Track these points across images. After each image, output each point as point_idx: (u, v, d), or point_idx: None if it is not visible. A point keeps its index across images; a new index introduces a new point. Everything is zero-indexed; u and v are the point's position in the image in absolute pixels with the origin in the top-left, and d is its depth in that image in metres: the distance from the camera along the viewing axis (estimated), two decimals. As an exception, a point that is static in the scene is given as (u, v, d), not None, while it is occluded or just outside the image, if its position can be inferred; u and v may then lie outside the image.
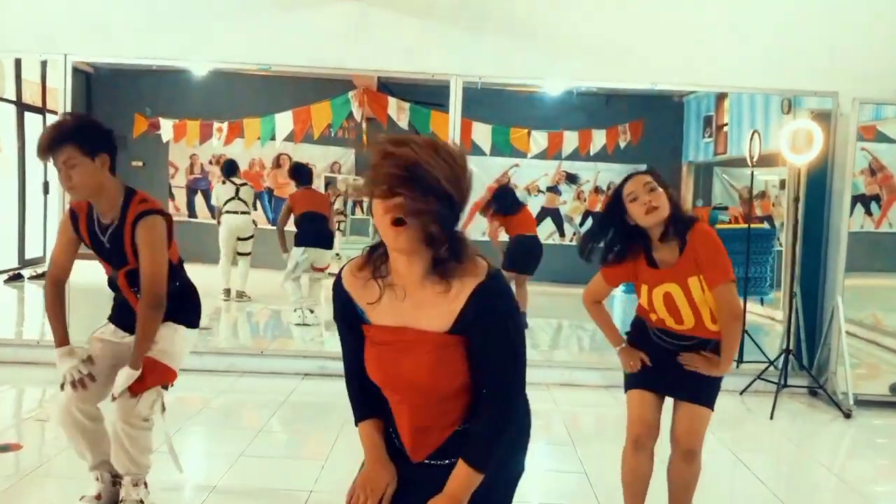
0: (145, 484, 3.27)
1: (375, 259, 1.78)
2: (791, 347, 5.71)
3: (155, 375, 3.13)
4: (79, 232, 3.15)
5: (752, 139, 6.46)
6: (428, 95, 9.03)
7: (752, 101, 9.10)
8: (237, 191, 8.93)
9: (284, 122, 9.67)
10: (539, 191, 11.63)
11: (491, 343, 1.74)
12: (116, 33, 5.77)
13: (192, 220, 12.45)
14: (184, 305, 3.29)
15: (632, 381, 3.08)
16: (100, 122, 3.12)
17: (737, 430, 5.17)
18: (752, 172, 6.51)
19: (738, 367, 6.02)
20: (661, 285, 2.91)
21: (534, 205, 10.78)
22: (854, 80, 5.77)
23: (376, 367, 1.84)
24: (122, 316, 3.25)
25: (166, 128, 11.14)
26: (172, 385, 3.28)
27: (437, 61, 5.84)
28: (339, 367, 1.99)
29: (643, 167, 3.11)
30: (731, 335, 2.92)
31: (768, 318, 7.76)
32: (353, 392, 1.95)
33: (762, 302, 8.04)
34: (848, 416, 5.38)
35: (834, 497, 4.24)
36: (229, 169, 9.24)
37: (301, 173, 8.16)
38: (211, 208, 10.21)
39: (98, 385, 3.15)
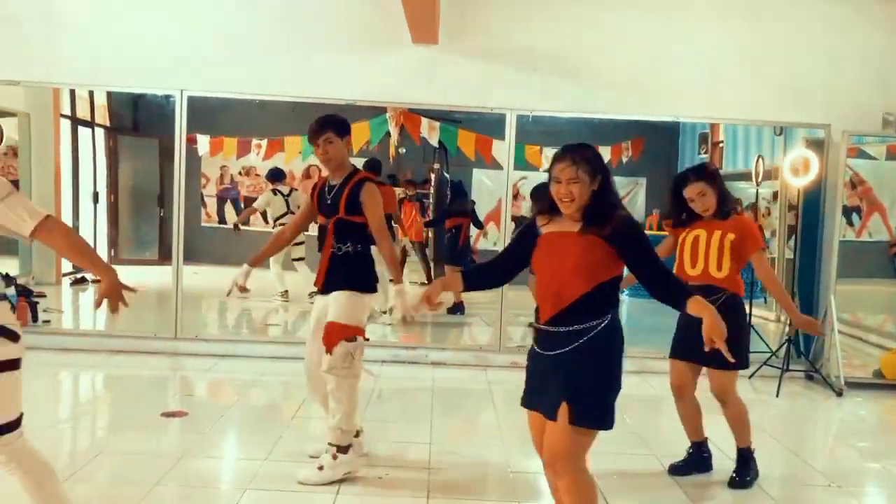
0: (335, 452, 3.96)
1: None
2: (791, 338, 6.71)
3: (337, 333, 3.96)
4: (313, 198, 4.20)
5: (757, 162, 7.47)
6: (449, 112, 9.91)
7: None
8: (287, 203, 9.43)
9: (326, 139, 10.55)
10: (548, 201, 12.47)
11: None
12: (224, 70, 6.72)
13: (221, 226, 13.32)
14: (357, 272, 4.04)
15: (671, 352, 4.38)
16: (335, 117, 4.08)
17: (749, 406, 6.17)
18: (757, 191, 7.53)
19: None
20: (695, 230, 4.21)
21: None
22: (844, 114, 6.83)
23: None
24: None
25: (202, 142, 12.06)
26: (356, 340, 3.99)
27: (495, 98, 6.81)
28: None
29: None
30: (774, 288, 4.46)
31: (763, 318, 8.64)
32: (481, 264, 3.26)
33: (765, 301, 8.98)
34: (840, 394, 6.43)
35: (831, 451, 5.37)
36: (275, 176, 9.63)
37: (375, 168, 8.26)
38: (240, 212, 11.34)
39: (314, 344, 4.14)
